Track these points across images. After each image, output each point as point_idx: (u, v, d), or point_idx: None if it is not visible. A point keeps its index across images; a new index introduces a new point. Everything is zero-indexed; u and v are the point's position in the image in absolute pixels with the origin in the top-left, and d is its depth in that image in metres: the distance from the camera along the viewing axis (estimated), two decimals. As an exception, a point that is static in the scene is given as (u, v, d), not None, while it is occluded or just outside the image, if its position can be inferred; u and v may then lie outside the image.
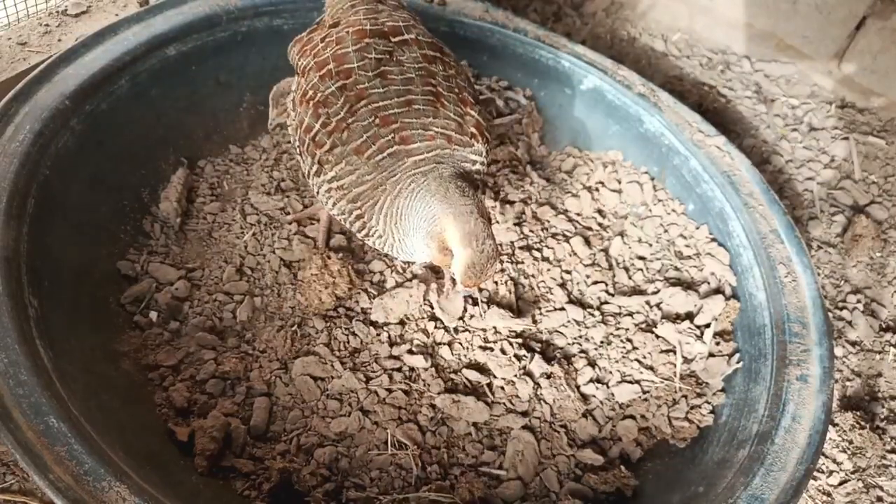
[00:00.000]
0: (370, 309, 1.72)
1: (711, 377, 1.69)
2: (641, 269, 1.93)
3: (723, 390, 1.67)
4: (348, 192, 1.38)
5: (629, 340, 1.76)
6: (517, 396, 1.63)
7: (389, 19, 1.51)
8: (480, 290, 1.78)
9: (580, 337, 1.76)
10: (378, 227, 1.39)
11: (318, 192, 1.47)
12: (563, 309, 1.79)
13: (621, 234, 2.00)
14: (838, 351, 1.92)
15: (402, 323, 1.71)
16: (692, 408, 1.65)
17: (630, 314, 1.82)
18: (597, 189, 2.12)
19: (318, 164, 1.40)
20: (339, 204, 1.41)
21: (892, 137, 2.52)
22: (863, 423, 1.74)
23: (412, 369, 1.64)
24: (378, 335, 1.68)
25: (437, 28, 2.22)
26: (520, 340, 1.71)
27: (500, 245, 1.89)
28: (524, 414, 1.61)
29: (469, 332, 1.71)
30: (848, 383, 1.87)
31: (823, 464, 1.69)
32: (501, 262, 1.81)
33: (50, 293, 1.42)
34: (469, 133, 1.41)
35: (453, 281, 1.65)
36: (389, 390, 1.59)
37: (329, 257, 1.71)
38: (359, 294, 1.74)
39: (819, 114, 2.61)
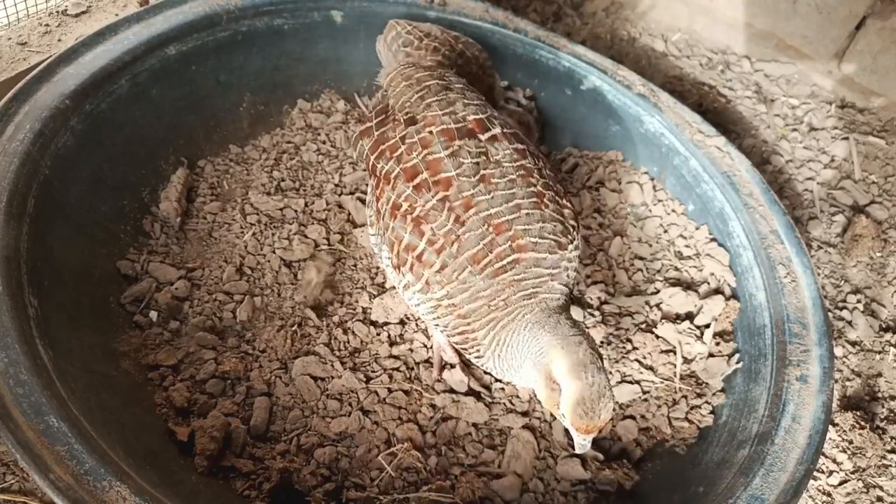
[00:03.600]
0: (370, 309, 1.72)
1: (711, 377, 1.69)
2: (641, 269, 1.93)
3: (723, 390, 1.67)
4: (459, 309, 1.30)
5: (629, 340, 1.76)
6: (517, 396, 1.63)
7: (467, 110, 1.42)
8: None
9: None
10: (483, 343, 1.31)
11: (417, 306, 1.40)
12: (563, 309, 1.79)
13: (621, 234, 2.00)
14: (838, 351, 1.92)
15: (402, 323, 1.71)
16: (692, 408, 1.65)
17: (630, 314, 1.82)
18: (597, 189, 2.12)
19: (426, 283, 1.32)
20: (444, 318, 1.34)
21: (892, 137, 2.52)
22: (863, 423, 1.74)
23: (412, 369, 1.64)
24: (378, 335, 1.68)
25: (438, 28, 2.22)
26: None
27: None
28: (524, 414, 1.61)
29: (469, 332, 1.71)
30: (848, 383, 1.87)
31: (823, 464, 1.69)
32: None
33: (50, 293, 1.42)
34: (571, 226, 1.36)
35: (568, 434, 1.54)
36: (389, 390, 1.59)
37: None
38: (359, 293, 1.74)
39: (819, 114, 2.61)
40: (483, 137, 1.37)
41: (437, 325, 1.38)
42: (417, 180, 1.33)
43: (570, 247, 1.34)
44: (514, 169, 1.34)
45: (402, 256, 1.35)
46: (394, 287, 1.75)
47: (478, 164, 1.33)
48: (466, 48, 1.85)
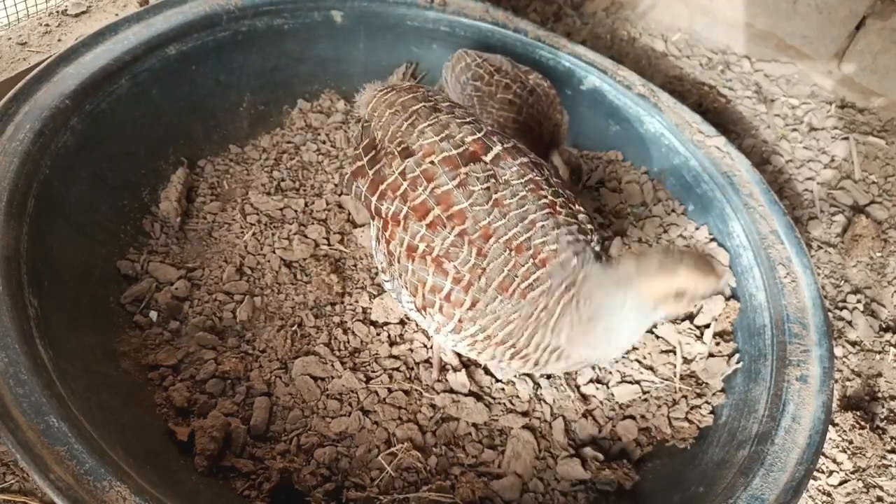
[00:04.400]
0: (370, 309, 1.72)
1: (711, 377, 1.69)
2: (641, 269, 1.92)
3: (723, 390, 1.67)
4: (495, 338, 1.27)
5: (629, 340, 1.76)
6: (517, 396, 1.63)
7: (463, 131, 1.34)
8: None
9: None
10: (542, 354, 1.28)
11: (454, 346, 1.37)
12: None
13: (621, 234, 2.00)
14: (838, 351, 1.92)
15: (402, 323, 1.71)
16: (692, 408, 1.65)
17: (630, 314, 1.81)
18: (597, 189, 2.12)
19: (458, 322, 1.28)
20: (486, 352, 1.31)
21: (892, 137, 2.52)
22: (863, 423, 1.74)
23: (412, 369, 1.64)
24: (378, 335, 1.68)
25: (437, 28, 2.22)
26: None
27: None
28: (524, 414, 1.61)
29: (469, 332, 1.71)
30: (848, 383, 1.87)
31: (823, 464, 1.69)
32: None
33: (50, 293, 1.42)
34: (587, 229, 1.33)
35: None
36: (389, 390, 1.59)
37: None
38: (359, 293, 1.74)
39: (819, 114, 2.61)
40: (488, 159, 1.30)
41: (482, 359, 1.36)
42: (430, 218, 1.26)
43: (591, 240, 1.32)
44: (523, 185, 1.30)
45: (427, 299, 1.30)
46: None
47: (488, 188, 1.27)
48: (537, 84, 1.83)
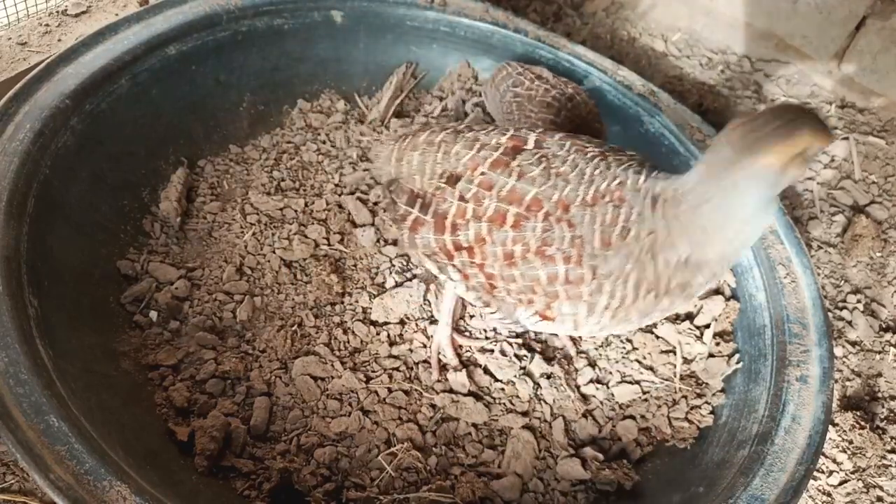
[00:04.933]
0: (370, 308, 1.72)
1: (711, 377, 1.69)
2: (641, 269, 1.92)
3: (723, 391, 1.67)
4: (627, 293, 1.24)
5: (629, 341, 1.76)
6: (517, 396, 1.63)
7: (492, 135, 1.35)
8: None
9: (580, 337, 1.76)
10: (675, 262, 1.21)
11: (598, 329, 1.32)
12: (563, 309, 1.78)
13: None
14: (838, 351, 1.92)
15: (402, 323, 1.71)
16: (692, 408, 1.65)
17: (630, 314, 1.81)
18: (597, 189, 2.11)
19: (588, 299, 1.25)
20: (623, 323, 1.28)
21: (892, 137, 2.52)
22: (863, 423, 1.74)
23: (412, 369, 1.64)
24: (378, 335, 1.68)
25: (437, 29, 2.22)
26: (520, 341, 1.71)
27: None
28: (524, 414, 1.61)
29: (469, 332, 1.71)
30: (848, 383, 1.87)
31: (823, 464, 1.69)
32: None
33: (50, 292, 1.42)
34: (633, 156, 1.33)
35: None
36: (389, 390, 1.59)
37: None
38: (359, 293, 1.74)
39: (819, 114, 2.61)
40: (529, 146, 1.31)
41: (632, 327, 1.32)
42: (511, 219, 1.25)
43: (645, 160, 1.31)
44: (569, 151, 1.29)
45: (549, 293, 1.26)
46: (394, 287, 1.75)
47: (544, 168, 1.26)
48: (577, 93, 1.83)
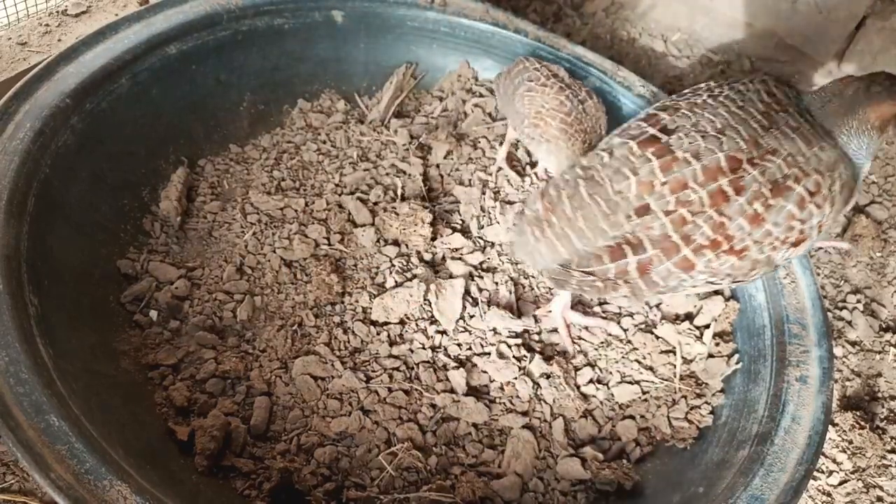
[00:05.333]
0: (370, 308, 1.72)
1: (711, 378, 1.69)
2: (641, 270, 1.92)
3: (722, 391, 1.67)
4: (837, 204, 1.30)
5: (629, 341, 1.76)
6: (517, 396, 1.63)
7: (626, 148, 1.35)
8: (480, 290, 1.77)
9: (580, 337, 1.76)
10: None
11: (809, 247, 1.37)
12: (563, 309, 1.79)
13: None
14: (838, 351, 1.92)
15: (402, 322, 1.71)
16: (692, 408, 1.65)
17: (630, 314, 1.82)
18: (597, 189, 2.11)
19: (821, 210, 1.28)
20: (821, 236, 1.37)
21: (891, 137, 2.52)
22: (863, 423, 1.74)
23: (412, 369, 1.64)
24: (378, 334, 1.68)
25: (437, 29, 2.23)
26: (519, 341, 1.71)
27: (500, 245, 1.89)
28: (524, 414, 1.61)
29: (469, 332, 1.71)
30: (848, 383, 1.87)
31: (823, 464, 1.69)
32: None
33: (50, 292, 1.42)
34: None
35: None
36: (390, 390, 1.59)
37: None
38: (359, 293, 1.74)
39: None
40: (664, 122, 1.36)
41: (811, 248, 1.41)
42: (729, 187, 1.24)
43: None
44: (721, 106, 1.33)
45: (803, 217, 1.27)
46: (394, 287, 1.75)
47: (694, 122, 1.31)
48: (589, 96, 1.84)
